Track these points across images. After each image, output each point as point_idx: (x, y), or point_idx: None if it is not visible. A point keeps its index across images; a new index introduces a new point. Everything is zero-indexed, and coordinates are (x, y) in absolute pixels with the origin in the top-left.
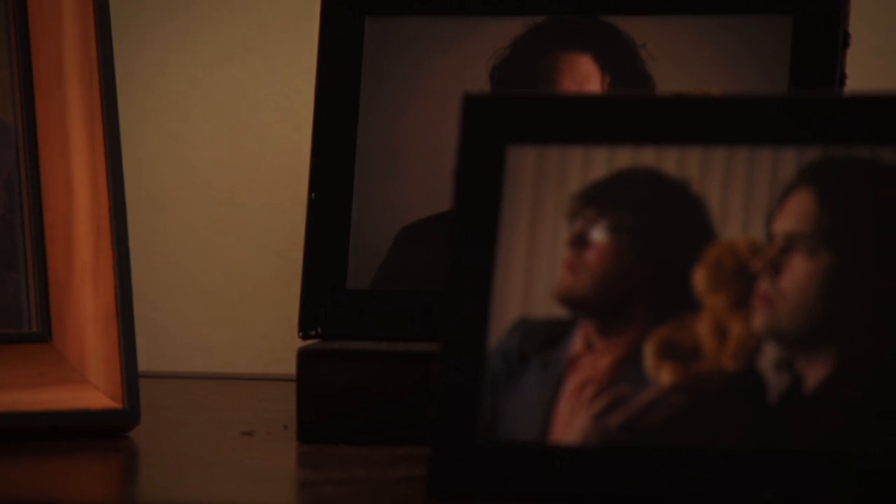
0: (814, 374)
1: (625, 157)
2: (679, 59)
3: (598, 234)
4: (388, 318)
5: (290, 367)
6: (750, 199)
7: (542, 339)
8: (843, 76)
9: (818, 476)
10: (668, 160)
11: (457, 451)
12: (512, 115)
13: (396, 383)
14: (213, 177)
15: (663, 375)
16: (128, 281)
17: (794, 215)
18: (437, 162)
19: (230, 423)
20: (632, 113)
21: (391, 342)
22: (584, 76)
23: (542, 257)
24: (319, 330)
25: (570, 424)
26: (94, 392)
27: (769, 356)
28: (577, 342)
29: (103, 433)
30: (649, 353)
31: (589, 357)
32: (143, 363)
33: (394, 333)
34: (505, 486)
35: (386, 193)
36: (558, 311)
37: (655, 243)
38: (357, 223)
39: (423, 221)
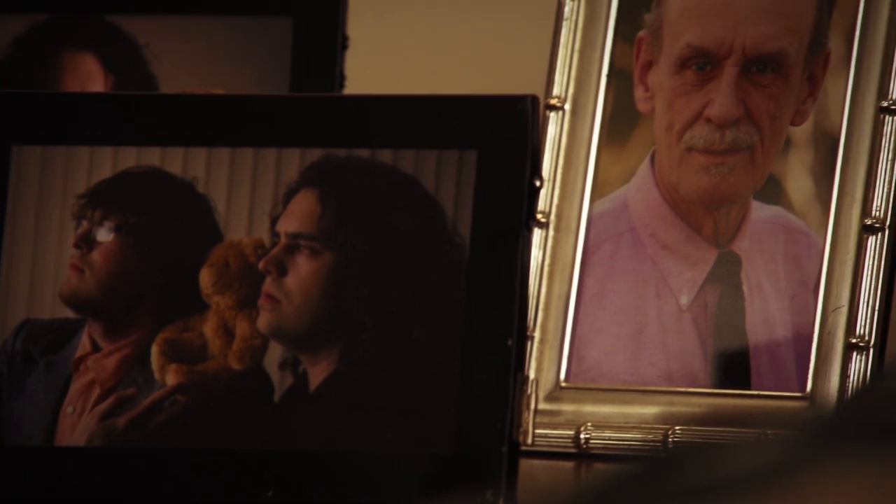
0: (318, 373)
1: (130, 158)
2: (182, 60)
3: (104, 235)
4: None
5: None
6: (255, 200)
7: (48, 340)
8: (342, 77)
9: (320, 475)
10: (174, 160)
11: None
12: (14, 114)
13: None
14: None
15: (169, 376)
16: None
17: (298, 215)
18: None
19: None
20: (136, 112)
21: None
22: (88, 75)
23: (49, 258)
24: None
25: (76, 426)
26: None
27: (274, 356)
28: (84, 343)
29: None
30: (155, 354)
31: (96, 359)
32: None
33: None
34: (10, 491)
35: None
36: (65, 313)
37: (161, 244)
38: None
39: None
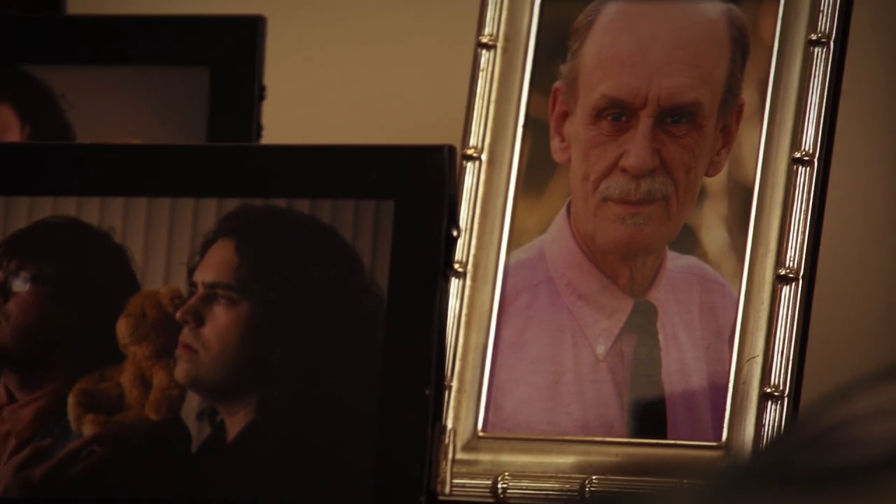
0: (235, 423)
1: (46, 208)
2: (99, 109)
3: (19, 285)
4: None
5: None
6: (172, 249)
7: None
8: (259, 128)
9: None
10: (90, 210)
11: None
12: None
13: None
14: None
15: (86, 426)
16: None
17: (216, 265)
18: None
19: None
20: (52, 162)
21: None
22: (3, 125)
23: None
24: None
25: None
26: None
27: (192, 406)
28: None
29: None
30: (72, 404)
31: (12, 409)
32: None
33: None
34: None
35: None
36: None
37: (78, 294)
38: None
39: None
